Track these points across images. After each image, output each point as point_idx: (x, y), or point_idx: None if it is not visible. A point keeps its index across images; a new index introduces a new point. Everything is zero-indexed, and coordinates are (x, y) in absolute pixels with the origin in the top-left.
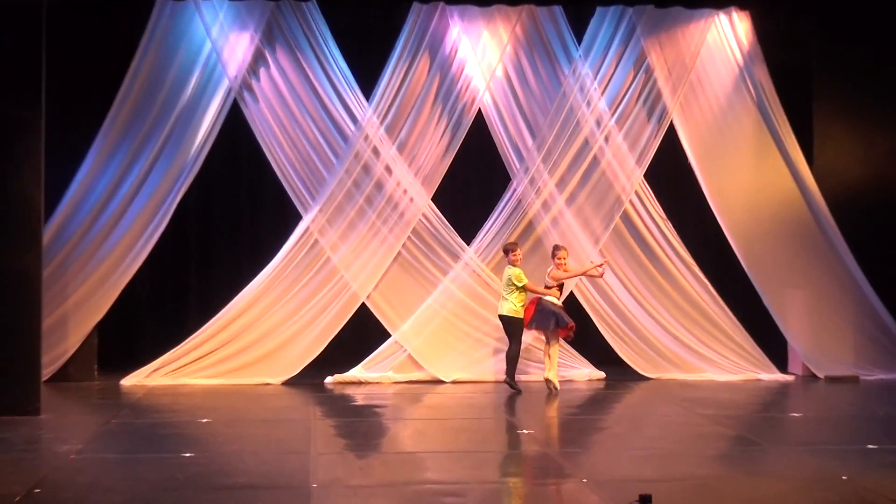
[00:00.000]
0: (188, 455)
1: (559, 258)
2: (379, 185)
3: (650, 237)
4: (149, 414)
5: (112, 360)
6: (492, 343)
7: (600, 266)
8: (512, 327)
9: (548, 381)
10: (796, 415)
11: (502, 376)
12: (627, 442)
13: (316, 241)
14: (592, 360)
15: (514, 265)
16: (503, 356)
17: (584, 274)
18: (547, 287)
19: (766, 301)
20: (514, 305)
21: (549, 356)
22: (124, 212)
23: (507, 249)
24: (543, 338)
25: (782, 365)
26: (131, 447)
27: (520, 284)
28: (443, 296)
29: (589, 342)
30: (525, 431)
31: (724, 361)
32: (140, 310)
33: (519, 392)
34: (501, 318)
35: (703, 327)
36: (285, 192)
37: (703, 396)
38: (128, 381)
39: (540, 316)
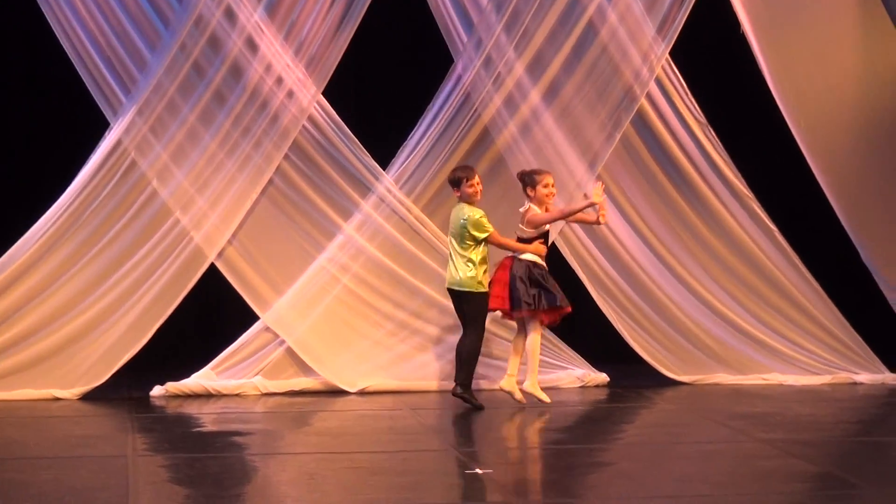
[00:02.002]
0: None
1: (543, 189)
2: (236, 72)
3: (682, 155)
4: None
5: None
6: (424, 330)
7: (595, 205)
8: (469, 306)
9: (509, 392)
10: None
11: (439, 381)
12: (644, 486)
13: (133, 164)
14: (588, 354)
15: (471, 202)
16: (447, 349)
17: (572, 216)
18: (521, 240)
19: (866, 258)
20: (470, 270)
21: (518, 353)
22: None
23: (458, 178)
24: (514, 323)
25: (893, 360)
26: None
27: (481, 235)
28: (344, 253)
29: (583, 327)
30: (480, 471)
31: (800, 355)
32: None
33: (479, 408)
34: (451, 292)
35: (767, 301)
36: (81, 83)
37: (767, 411)
38: None
39: (513, 288)
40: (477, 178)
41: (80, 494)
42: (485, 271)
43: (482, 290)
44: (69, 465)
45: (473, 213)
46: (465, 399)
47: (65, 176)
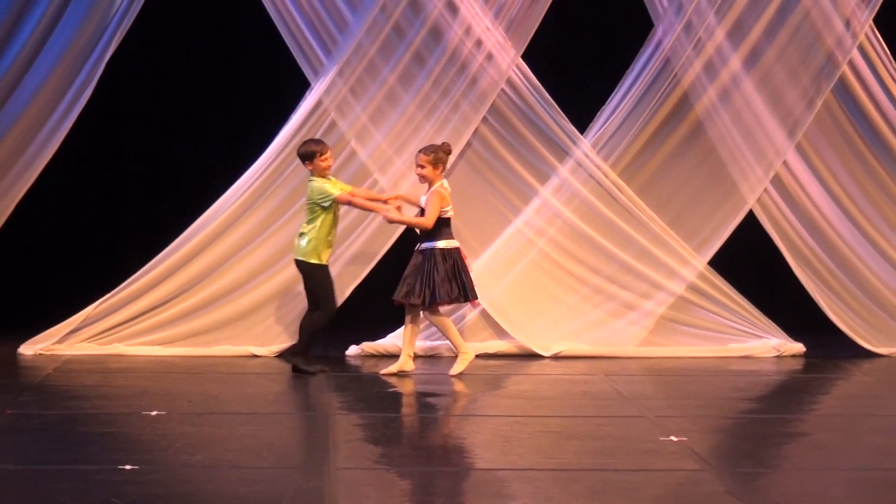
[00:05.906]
0: (128, 468)
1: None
2: (436, 34)
3: (884, 125)
4: (64, 401)
5: (2, 314)
6: (619, 295)
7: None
8: (304, 277)
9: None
10: None
11: (634, 347)
12: (840, 458)
13: (333, 125)
14: (785, 324)
15: (323, 176)
16: (641, 315)
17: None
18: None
19: None
20: (304, 239)
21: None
22: (16, 83)
23: (311, 152)
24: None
25: None
26: (37, 454)
27: (326, 200)
28: (540, 217)
29: (780, 296)
30: (673, 438)
31: None
32: (47, 234)
33: (313, 373)
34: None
35: None
36: (282, 43)
37: None
38: (30, 349)
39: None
40: (329, 153)
41: (278, 450)
42: (327, 245)
43: (314, 261)
44: (266, 421)
45: (319, 182)
46: (297, 369)
47: (266, 135)
